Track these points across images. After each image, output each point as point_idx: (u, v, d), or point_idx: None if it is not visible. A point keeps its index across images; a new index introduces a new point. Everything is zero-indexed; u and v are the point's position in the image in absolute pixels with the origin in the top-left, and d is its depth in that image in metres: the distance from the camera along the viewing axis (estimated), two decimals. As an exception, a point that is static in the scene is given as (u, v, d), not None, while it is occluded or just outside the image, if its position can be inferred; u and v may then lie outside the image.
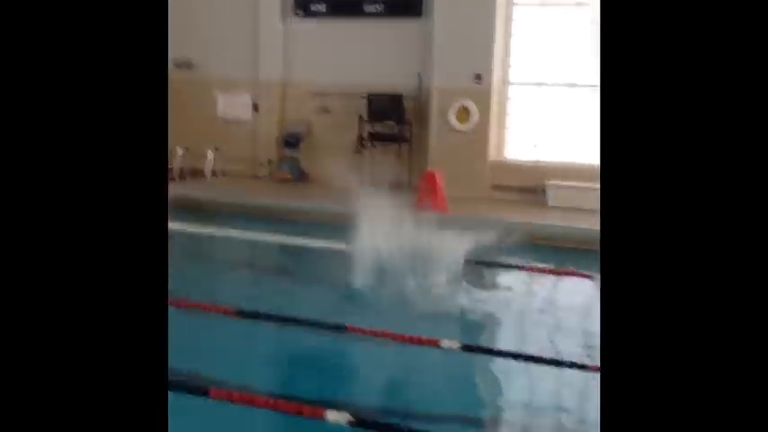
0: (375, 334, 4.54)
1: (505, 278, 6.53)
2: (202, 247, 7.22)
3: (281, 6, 11.08)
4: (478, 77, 9.97)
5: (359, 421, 3.30)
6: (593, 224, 7.84)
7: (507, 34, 10.24)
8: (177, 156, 10.47)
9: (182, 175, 10.52)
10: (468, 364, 4.47)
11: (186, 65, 11.52)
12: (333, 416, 3.33)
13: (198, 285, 5.78)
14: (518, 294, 6.52)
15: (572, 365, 4.17)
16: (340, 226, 5.81)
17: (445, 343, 4.46)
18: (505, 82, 10.30)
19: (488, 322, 5.68)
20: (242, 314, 4.94)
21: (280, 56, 11.18)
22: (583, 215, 8.45)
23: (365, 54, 10.63)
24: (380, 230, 5.67)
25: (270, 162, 11.22)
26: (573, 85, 10.01)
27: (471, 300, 5.66)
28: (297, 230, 7.66)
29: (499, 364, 4.48)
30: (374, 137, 10.49)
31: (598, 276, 6.39)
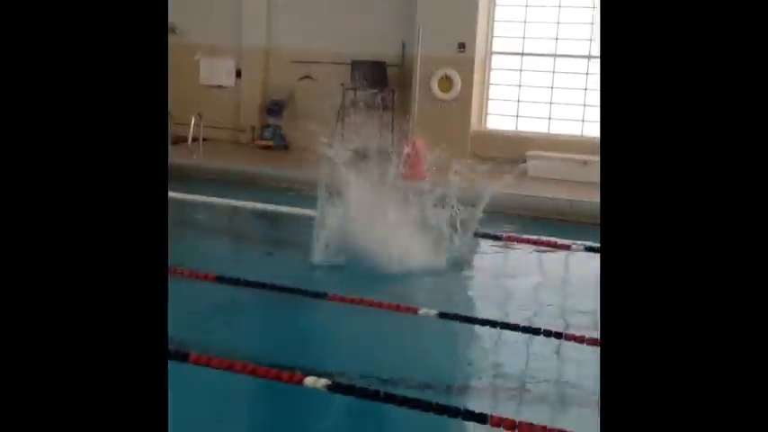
0: (354, 301, 4.62)
1: (484, 247, 6.60)
2: (184, 214, 7.22)
3: (265, -29, 10.98)
4: (462, 46, 9.96)
5: (335, 386, 3.38)
6: (572, 195, 7.93)
7: (492, 3, 10.22)
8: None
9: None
10: (444, 331, 4.57)
11: (170, 29, 11.39)
12: (310, 381, 3.39)
13: (179, 252, 5.80)
14: (496, 265, 6.61)
15: (548, 334, 4.26)
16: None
17: (422, 311, 4.54)
18: (488, 52, 10.30)
19: (465, 291, 5.78)
20: (221, 280, 4.99)
21: (263, 22, 11.09)
22: (563, 186, 8.53)
23: (349, 21, 10.57)
24: (362, 198, 5.71)
25: (252, 129, 11.18)
26: (555, 56, 10.03)
27: (450, 269, 5.74)
28: (279, 198, 7.68)
29: (475, 331, 4.58)
30: (357, 104, 10.46)
31: (577, 247, 6.49)
